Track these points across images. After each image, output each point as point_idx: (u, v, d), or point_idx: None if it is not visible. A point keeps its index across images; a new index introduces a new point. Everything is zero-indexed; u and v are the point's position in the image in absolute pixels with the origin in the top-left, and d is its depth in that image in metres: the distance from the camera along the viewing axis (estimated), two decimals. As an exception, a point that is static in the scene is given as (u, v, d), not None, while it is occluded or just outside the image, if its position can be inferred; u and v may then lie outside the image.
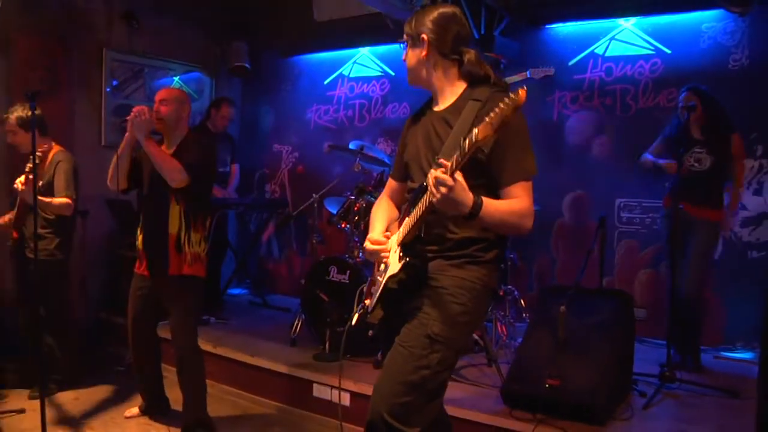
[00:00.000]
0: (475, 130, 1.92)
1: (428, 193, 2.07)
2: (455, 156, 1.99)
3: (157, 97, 3.66)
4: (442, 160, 2.02)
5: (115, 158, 3.60)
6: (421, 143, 2.43)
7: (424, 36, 2.35)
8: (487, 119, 1.90)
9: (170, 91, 3.74)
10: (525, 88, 1.88)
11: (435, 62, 2.38)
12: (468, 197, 2.03)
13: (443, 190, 1.96)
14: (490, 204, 2.11)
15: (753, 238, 4.76)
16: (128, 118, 3.50)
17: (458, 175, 1.98)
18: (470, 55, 2.40)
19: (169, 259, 3.54)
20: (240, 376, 4.53)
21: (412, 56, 2.41)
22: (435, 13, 2.38)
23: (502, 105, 1.88)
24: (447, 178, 1.96)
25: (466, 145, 1.95)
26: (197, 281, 3.67)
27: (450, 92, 2.40)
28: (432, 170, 2.01)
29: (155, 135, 3.65)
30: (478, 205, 2.06)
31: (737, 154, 4.40)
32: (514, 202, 2.21)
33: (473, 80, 2.39)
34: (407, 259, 2.25)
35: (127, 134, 3.54)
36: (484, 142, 1.93)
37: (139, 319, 3.79)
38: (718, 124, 4.35)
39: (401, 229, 2.34)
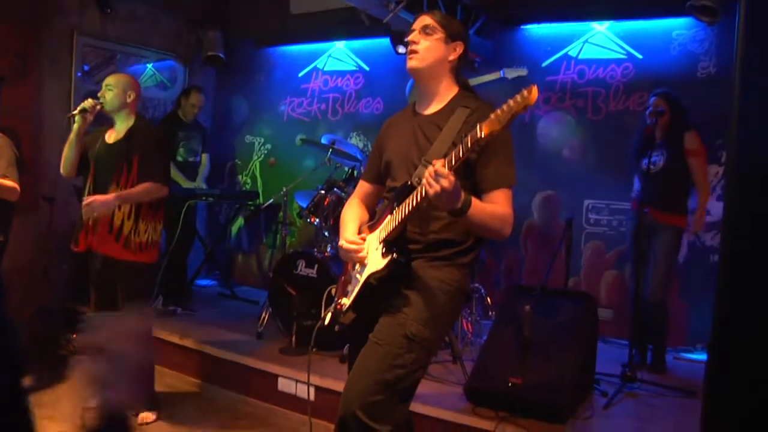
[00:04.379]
0: (479, 127, 1.94)
1: (418, 189, 2.12)
2: (452, 154, 2.02)
3: (104, 81, 3.77)
4: (435, 161, 2.04)
5: (66, 148, 3.70)
6: (405, 143, 2.44)
7: (462, 43, 2.40)
8: (493, 116, 1.92)
9: (117, 77, 3.81)
10: (536, 86, 1.89)
11: (452, 68, 2.43)
12: (461, 194, 2.07)
13: (444, 183, 1.98)
14: (477, 204, 2.15)
15: (716, 243, 4.85)
16: (77, 110, 3.63)
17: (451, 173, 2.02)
18: (465, 82, 2.50)
19: (98, 236, 3.63)
20: (206, 369, 4.51)
21: (438, 50, 2.38)
22: (465, 28, 2.46)
23: (512, 102, 1.89)
24: (447, 172, 1.98)
25: (468, 141, 1.98)
26: (143, 267, 3.73)
27: (442, 97, 2.43)
28: (432, 165, 2.02)
29: (105, 120, 3.83)
30: (467, 203, 2.10)
31: (694, 150, 4.37)
32: (496, 207, 2.26)
33: (463, 89, 2.46)
34: (393, 255, 2.23)
35: (75, 125, 3.64)
36: (488, 139, 1.95)
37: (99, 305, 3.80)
38: (676, 125, 4.41)
39: (384, 226, 2.33)
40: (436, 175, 1.99)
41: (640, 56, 5.19)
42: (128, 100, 3.74)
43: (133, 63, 6.33)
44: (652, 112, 4.33)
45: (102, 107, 3.69)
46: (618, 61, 5.28)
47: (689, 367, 4.57)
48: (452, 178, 1.98)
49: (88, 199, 3.54)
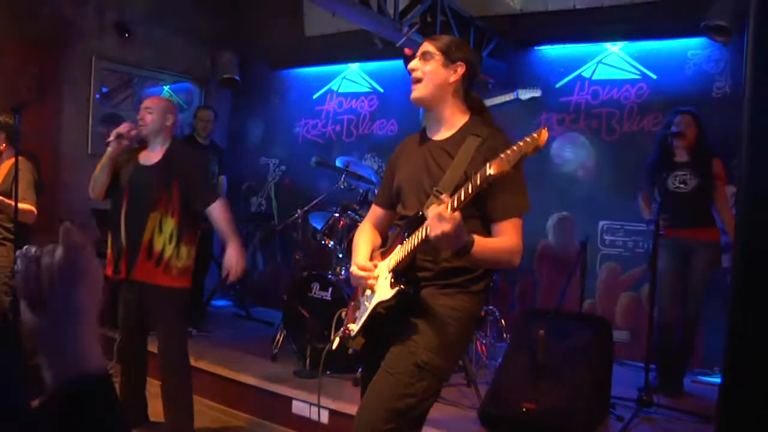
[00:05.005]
0: (488, 165, 1.94)
1: (425, 224, 2.10)
2: (461, 191, 2.02)
3: (143, 104, 3.72)
4: (443, 196, 2.05)
5: (97, 170, 3.65)
6: (417, 171, 2.42)
7: (462, 63, 2.37)
8: (503, 156, 1.93)
9: (156, 100, 3.79)
10: (547, 128, 1.91)
11: (456, 91, 2.41)
12: (463, 235, 2.05)
13: (445, 226, 1.97)
14: (480, 242, 2.14)
15: (731, 263, 4.78)
16: (113, 135, 3.58)
17: (457, 214, 2.00)
18: (478, 99, 2.49)
19: (137, 264, 3.56)
20: (221, 391, 4.52)
21: (438, 74, 2.37)
22: (468, 47, 2.45)
23: (521, 143, 1.91)
24: (449, 215, 1.97)
25: (478, 179, 1.98)
26: (182, 293, 3.68)
27: (452, 123, 2.42)
28: (434, 205, 2.03)
29: (140, 142, 3.76)
30: (470, 243, 2.09)
31: (720, 175, 4.40)
32: (504, 240, 2.25)
33: (474, 115, 2.45)
34: (401, 286, 2.23)
35: (109, 149, 3.59)
36: (497, 177, 1.95)
37: (129, 331, 3.76)
38: (705, 147, 4.40)
39: (393, 256, 2.33)
40: (438, 218, 1.98)
41: (654, 76, 5.18)
42: (167, 124, 3.69)
43: (150, 86, 6.42)
44: (675, 133, 4.31)
45: (137, 132, 3.63)
46: (632, 82, 5.27)
47: (706, 391, 4.50)
48: (454, 222, 1.97)
49: (232, 274, 3.67)
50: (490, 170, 1.94)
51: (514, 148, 1.92)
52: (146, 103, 3.72)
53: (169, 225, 3.56)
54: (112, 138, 3.58)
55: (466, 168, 2.24)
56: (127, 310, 3.71)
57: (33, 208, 4.12)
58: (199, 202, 3.59)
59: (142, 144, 3.77)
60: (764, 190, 1.64)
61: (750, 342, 1.55)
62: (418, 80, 2.39)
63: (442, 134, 2.43)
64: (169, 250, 3.56)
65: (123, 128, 3.59)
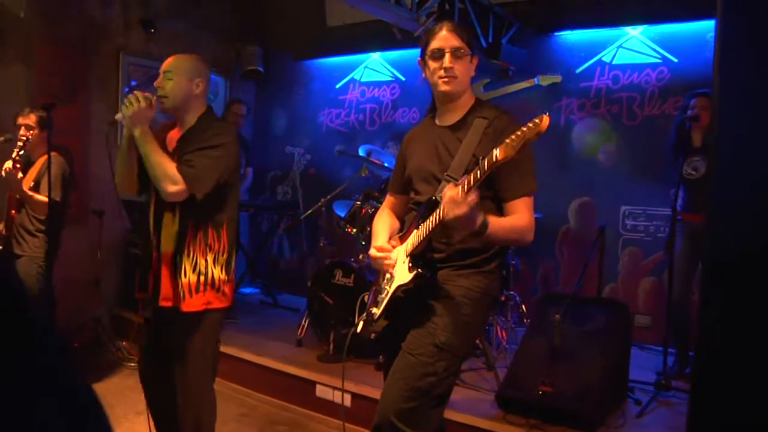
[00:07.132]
0: (496, 151, 2.02)
1: (439, 208, 2.19)
2: (470, 176, 2.10)
3: (162, 67, 2.81)
4: (450, 185, 2.15)
5: (118, 160, 2.86)
6: (427, 156, 2.51)
7: (476, 56, 2.47)
8: (508, 141, 2.00)
9: (177, 60, 2.82)
10: (548, 114, 1.98)
11: (470, 80, 2.51)
12: (478, 217, 2.15)
13: (457, 210, 2.08)
14: (495, 222, 2.23)
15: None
16: (117, 116, 2.76)
17: (471, 196, 2.08)
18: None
19: (160, 286, 2.81)
20: (247, 375, 4.65)
21: (469, 70, 2.46)
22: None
23: (524, 129, 1.99)
24: (462, 199, 2.07)
25: (485, 164, 2.06)
26: (206, 316, 2.85)
27: (461, 108, 2.49)
28: (447, 189, 2.13)
29: (168, 117, 2.96)
30: (485, 225, 2.18)
31: None
32: (516, 218, 2.34)
33: (477, 98, 2.53)
34: (418, 270, 2.33)
35: (126, 130, 2.78)
36: (503, 162, 2.03)
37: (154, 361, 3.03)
38: None
39: (410, 240, 2.42)
40: (451, 202, 2.08)
41: (675, 60, 5.15)
42: (196, 91, 2.80)
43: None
44: (689, 117, 4.30)
45: (163, 100, 2.76)
46: (653, 66, 5.24)
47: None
48: (469, 205, 2.06)
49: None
50: (497, 155, 2.02)
51: (518, 133, 1.99)
52: (165, 64, 2.80)
53: (172, 221, 2.78)
54: (123, 113, 2.71)
55: (475, 151, 2.33)
56: (154, 344, 3.03)
57: (45, 199, 4.10)
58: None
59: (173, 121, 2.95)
60: (732, 180, 1.74)
61: (721, 319, 1.63)
62: (454, 77, 2.41)
63: (450, 119, 2.51)
64: (180, 259, 2.78)
65: (138, 98, 2.69)
